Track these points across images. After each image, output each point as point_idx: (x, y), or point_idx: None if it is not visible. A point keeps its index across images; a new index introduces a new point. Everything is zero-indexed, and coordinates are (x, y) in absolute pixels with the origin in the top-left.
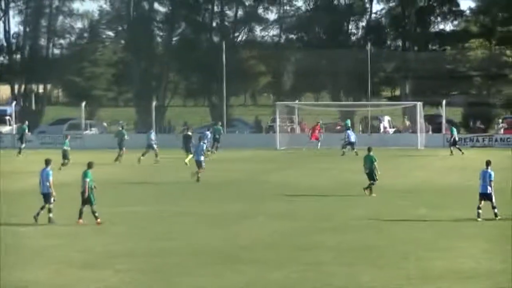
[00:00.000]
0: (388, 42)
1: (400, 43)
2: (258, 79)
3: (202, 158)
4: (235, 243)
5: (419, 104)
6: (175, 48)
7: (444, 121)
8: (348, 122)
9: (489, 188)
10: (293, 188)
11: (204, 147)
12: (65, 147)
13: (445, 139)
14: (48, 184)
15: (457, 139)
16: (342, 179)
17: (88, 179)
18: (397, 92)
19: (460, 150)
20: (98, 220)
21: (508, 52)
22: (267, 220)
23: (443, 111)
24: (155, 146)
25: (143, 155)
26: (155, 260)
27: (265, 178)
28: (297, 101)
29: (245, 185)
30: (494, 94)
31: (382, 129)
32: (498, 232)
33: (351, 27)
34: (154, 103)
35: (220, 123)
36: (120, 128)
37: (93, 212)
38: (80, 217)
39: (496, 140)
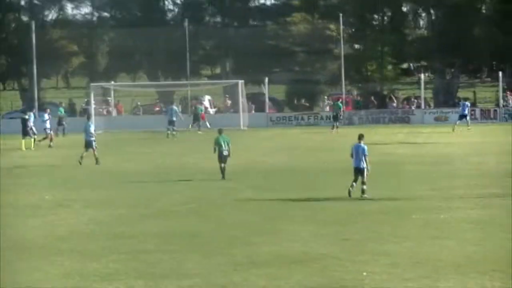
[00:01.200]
0: (207, 19)
1: (219, 19)
2: (71, 60)
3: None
4: (51, 233)
5: (240, 83)
6: None
7: (267, 99)
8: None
9: (362, 162)
10: (111, 174)
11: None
12: None
13: (269, 118)
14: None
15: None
16: (162, 164)
17: None
18: (218, 71)
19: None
20: None
21: (332, 26)
22: (84, 209)
23: (265, 89)
24: None
25: None
26: None
27: (78, 163)
28: (112, 82)
29: (59, 172)
30: (319, 70)
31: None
32: (328, 215)
33: (167, 3)
34: None
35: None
36: None
37: None
38: None
39: (322, 118)
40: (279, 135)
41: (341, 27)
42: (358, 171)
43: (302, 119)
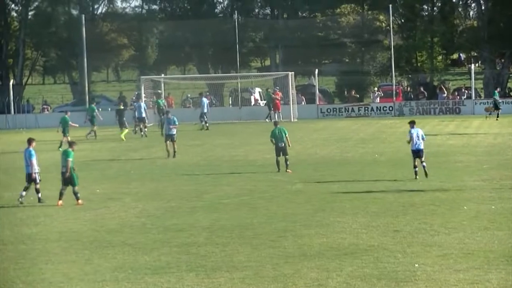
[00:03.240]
0: (256, 11)
1: (268, 11)
2: (121, 53)
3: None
4: (102, 226)
5: (290, 74)
6: (31, 23)
7: (317, 91)
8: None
9: (421, 144)
10: (161, 166)
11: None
12: None
13: (319, 110)
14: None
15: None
16: (212, 156)
17: (70, 159)
18: (267, 63)
19: None
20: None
21: (381, 17)
22: (135, 202)
23: (315, 80)
24: None
25: None
26: (20, 247)
27: (131, 157)
28: (162, 75)
29: (109, 165)
30: (368, 61)
31: (253, 102)
32: (379, 206)
33: None
34: (11, 82)
35: (94, 103)
36: None
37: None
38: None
39: (372, 109)
40: (329, 127)
41: (391, 17)
42: (417, 153)
43: (353, 110)
